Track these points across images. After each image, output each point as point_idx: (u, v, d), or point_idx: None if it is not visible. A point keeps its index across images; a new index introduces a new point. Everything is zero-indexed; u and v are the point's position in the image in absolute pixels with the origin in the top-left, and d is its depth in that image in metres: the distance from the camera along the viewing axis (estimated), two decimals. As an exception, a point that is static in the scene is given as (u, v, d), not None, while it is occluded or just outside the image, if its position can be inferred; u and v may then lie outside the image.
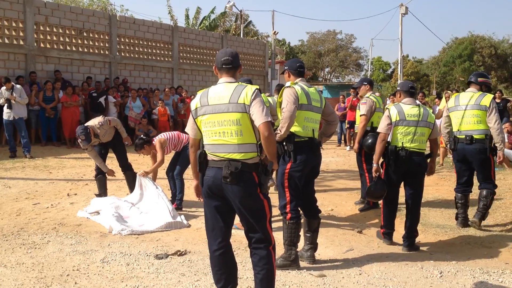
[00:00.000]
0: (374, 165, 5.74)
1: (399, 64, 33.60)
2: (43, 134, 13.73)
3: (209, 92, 3.57)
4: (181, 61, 19.17)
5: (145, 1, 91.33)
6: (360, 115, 7.22)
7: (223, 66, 3.61)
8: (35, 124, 13.50)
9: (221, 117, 3.47)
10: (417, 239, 5.81)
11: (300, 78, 4.92)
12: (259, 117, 3.39)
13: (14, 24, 14.04)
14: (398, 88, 5.92)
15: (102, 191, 7.56)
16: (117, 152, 7.81)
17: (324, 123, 5.12)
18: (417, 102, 5.92)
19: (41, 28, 14.72)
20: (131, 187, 7.58)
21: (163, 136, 7.24)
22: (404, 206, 5.90)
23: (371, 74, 54.98)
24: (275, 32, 25.39)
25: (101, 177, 7.59)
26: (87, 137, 7.15)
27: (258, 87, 3.53)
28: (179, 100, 16.67)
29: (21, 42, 14.19)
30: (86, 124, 7.43)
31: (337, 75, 64.13)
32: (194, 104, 3.63)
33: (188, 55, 19.57)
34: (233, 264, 3.68)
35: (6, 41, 13.90)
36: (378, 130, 5.79)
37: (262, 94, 4.20)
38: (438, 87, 52.14)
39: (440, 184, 9.51)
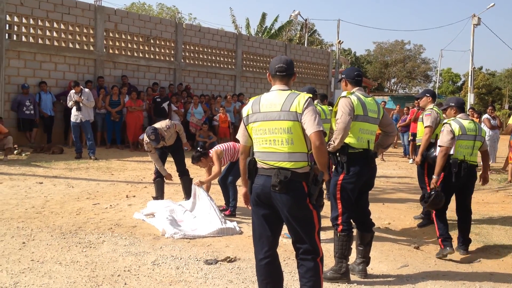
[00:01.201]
0: (435, 177, 5.76)
1: (470, 76, 32.38)
2: (108, 137, 14.23)
3: (261, 99, 3.53)
4: (244, 68, 19.33)
5: (211, 10, 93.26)
6: (425, 127, 6.94)
7: (277, 74, 3.56)
8: (101, 127, 14.00)
9: (273, 124, 3.41)
10: (478, 258, 5.63)
11: (357, 88, 4.78)
12: (310, 126, 3.30)
13: (85, 31, 14.65)
14: (452, 104, 6.04)
15: (159, 194, 7.68)
16: (176, 157, 7.92)
17: (382, 134, 4.95)
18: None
19: (111, 34, 15.28)
20: (187, 192, 7.65)
21: (219, 147, 7.26)
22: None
23: (439, 86, 53.33)
24: (339, 41, 25.13)
25: (159, 180, 7.72)
26: (156, 137, 7.32)
27: (311, 95, 3.44)
28: (241, 107, 16.76)
29: (91, 48, 14.78)
30: (154, 126, 7.58)
31: (404, 86, 62.70)
32: (245, 111, 3.59)
33: (251, 63, 19.72)
34: (279, 274, 3.60)
35: (77, 46, 14.52)
36: (440, 144, 5.73)
37: (315, 103, 4.10)
38: (510, 101, 49.88)
39: (506, 201, 9.01)
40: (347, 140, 4.58)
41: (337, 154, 4.63)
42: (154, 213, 6.74)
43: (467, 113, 14.85)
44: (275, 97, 3.48)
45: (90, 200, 7.82)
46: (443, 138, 5.69)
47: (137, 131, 14.19)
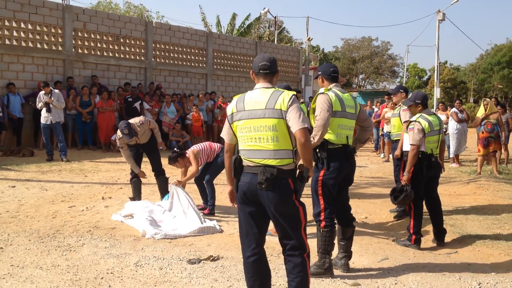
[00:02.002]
0: (406, 174, 5.91)
1: (436, 71, 33.01)
2: (79, 138, 14.01)
3: (245, 97, 3.55)
4: (215, 67, 19.30)
5: (179, 8, 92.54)
6: (404, 122, 7.05)
7: (261, 71, 3.58)
8: (71, 128, 13.79)
9: (257, 122, 3.44)
10: (455, 249, 5.79)
11: (334, 84, 4.83)
12: (295, 123, 3.34)
13: (53, 30, 14.39)
14: (418, 102, 6.15)
15: (137, 195, 7.62)
16: (151, 156, 7.85)
17: (359, 129, 5.03)
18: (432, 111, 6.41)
19: (79, 34, 15.04)
20: (163, 191, 7.63)
21: (196, 147, 7.28)
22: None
23: (406, 81, 54.21)
24: (309, 38, 25.32)
25: (136, 180, 7.65)
26: (130, 131, 7.26)
27: (295, 93, 3.48)
28: (216, 106, 16.74)
29: (60, 48, 14.52)
30: (127, 121, 7.52)
31: (372, 82, 63.53)
32: (230, 109, 3.61)
33: (222, 61, 19.69)
34: (267, 271, 3.63)
35: (45, 46, 14.25)
36: (412, 143, 5.84)
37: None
38: (475, 95, 51.07)
39: (478, 193, 9.25)
40: (327, 136, 4.64)
41: (317, 150, 4.69)
42: (132, 214, 6.70)
43: (438, 107, 15.20)
44: (259, 95, 3.50)
45: (65, 203, 7.71)
46: (415, 137, 5.81)
47: (108, 132, 14.01)
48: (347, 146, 4.72)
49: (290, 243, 3.52)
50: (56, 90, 12.09)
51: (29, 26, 13.87)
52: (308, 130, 3.40)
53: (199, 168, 7.29)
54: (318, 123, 4.54)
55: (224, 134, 3.70)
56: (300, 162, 3.53)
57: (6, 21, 13.44)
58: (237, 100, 3.60)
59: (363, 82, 63.69)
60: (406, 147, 6.25)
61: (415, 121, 5.93)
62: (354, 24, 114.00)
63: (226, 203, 8.07)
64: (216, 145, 7.49)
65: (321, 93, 4.66)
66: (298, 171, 3.51)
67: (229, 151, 3.70)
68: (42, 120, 11.78)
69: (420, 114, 6.03)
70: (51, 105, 11.60)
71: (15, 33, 13.66)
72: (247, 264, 3.59)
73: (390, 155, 14.15)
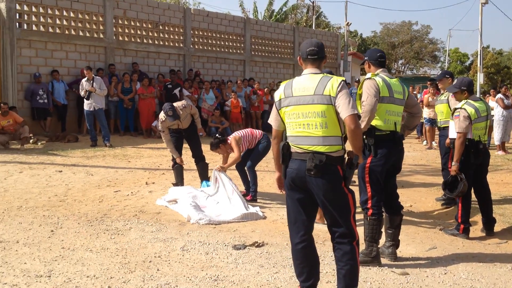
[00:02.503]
0: (456, 164, 5.72)
1: (479, 56, 32.12)
2: (121, 124, 14.26)
3: (293, 83, 3.51)
4: (252, 53, 19.26)
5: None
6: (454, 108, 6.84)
7: (309, 57, 3.53)
8: (114, 114, 14.04)
9: (306, 108, 3.40)
10: (505, 240, 5.66)
11: (381, 69, 4.74)
12: (345, 110, 3.29)
13: (94, 18, 14.61)
14: (464, 88, 5.95)
15: (179, 181, 7.71)
16: (191, 142, 7.90)
17: (407, 115, 4.91)
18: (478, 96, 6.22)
19: (120, 21, 15.23)
20: (204, 177, 7.71)
21: (238, 134, 7.30)
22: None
23: (448, 66, 52.91)
24: (348, 23, 24.94)
25: (178, 166, 7.74)
26: (174, 113, 7.35)
27: (344, 78, 3.43)
28: (251, 92, 16.73)
29: (101, 36, 14.74)
30: (171, 103, 7.62)
31: (412, 67, 62.25)
32: (277, 95, 3.58)
33: (259, 47, 19.63)
34: (316, 258, 3.62)
35: (87, 34, 14.49)
36: (459, 131, 5.67)
37: None
38: (519, 80, 49.48)
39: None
40: (374, 122, 4.56)
41: (364, 136, 4.61)
42: (176, 199, 6.78)
43: (489, 93, 14.73)
44: (308, 81, 3.46)
45: (110, 188, 7.87)
46: (461, 124, 5.65)
47: (149, 118, 14.22)
48: (395, 133, 4.63)
49: (339, 230, 3.50)
50: (98, 77, 12.30)
51: (71, 14, 14.12)
52: (358, 116, 3.35)
53: (241, 154, 7.31)
54: (365, 108, 4.47)
55: (272, 120, 3.67)
56: (349, 148, 3.49)
57: (49, 9, 13.71)
58: (284, 86, 3.57)
59: (403, 67, 62.46)
60: (452, 135, 6.08)
61: (461, 108, 5.76)
62: (393, 8, 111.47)
63: (267, 190, 8.11)
64: (257, 132, 7.50)
65: (367, 78, 4.58)
66: (347, 158, 3.47)
67: (277, 138, 3.68)
68: (85, 107, 12.03)
69: (465, 100, 5.86)
70: (92, 93, 11.79)
71: (58, 21, 13.93)
72: (295, 251, 3.59)
73: (433, 143, 13.90)
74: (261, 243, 5.19)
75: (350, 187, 3.52)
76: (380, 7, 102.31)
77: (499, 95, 13.45)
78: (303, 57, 3.58)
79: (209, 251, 4.94)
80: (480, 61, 32.10)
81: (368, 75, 4.66)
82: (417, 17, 72.14)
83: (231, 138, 7.19)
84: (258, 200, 7.26)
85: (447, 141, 7.04)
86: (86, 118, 12.33)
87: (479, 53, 32.39)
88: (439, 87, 7.53)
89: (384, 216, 4.77)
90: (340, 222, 3.47)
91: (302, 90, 3.44)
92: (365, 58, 4.86)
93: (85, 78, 11.99)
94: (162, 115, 7.50)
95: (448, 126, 7.09)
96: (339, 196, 3.42)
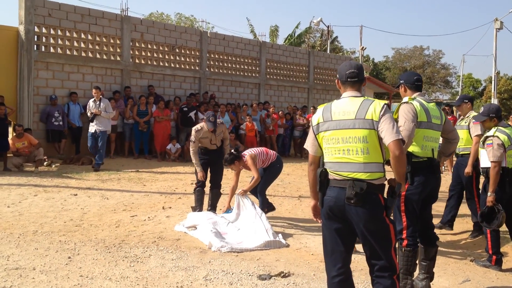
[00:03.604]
0: (492, 194, 5.45)
1: (493, 81, 31.99)
2: (136, 147, 14.13)
3: (332, 107, 3.34)
4: (268, 76, 19.19)
5: (228, 18, 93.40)
6: (474, 136, 6.65)
7: (348, 80, 3.37)
8: (128, 137, 13.94)
9: (346, 133, 3.23)
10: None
11: (418, 93, 4.56)
12: (389, 134, 3.11)
13: (112, 41, 14.63)
14: (493, 115, 5.70)
15: (199, 205, 7.49)
16: (214, 167, 7.68)
17: (444, 141, 4.70)
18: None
19: (137, 44, 15.24)
20: (213, 205, 7.55)
21: (253, 151, 7.16)
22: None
23: (461, 92, 52.65)
24: (363, 47, 24.92)
25: (200, 190, 7.53)
26: (215, 120, 7.33)
27: (387, 102, 3.25)
28: (266, 115, 16.60)
29: (118, 58, 14.75)
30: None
31: (424, 93, 61.80)
32: (316, 119, 3.41)
33: (275, 71, 19.56)
34: (353, 292, 3.40)
35: (104, 57, 14.50)
36: (494, 160, 5.42)
37: None
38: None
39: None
40: (411, 148, 4.36)
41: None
42: (196, 225, 6.59)
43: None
44: (348, 104, 3.29)
45: (127, 212, 7.69)
46: (496, 153, 5.41)
47: (164, 141, 14.12)
48: (433, 160, 4.43)
49: (380, 263, 3.28)
50: (105, 99, 12.17)
51: (89, 37, 14.15)
52: (402, 141, 3.16)
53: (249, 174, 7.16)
54: (402, 134, 4.26)
55: (308, 145, 3.50)
56: (390, 176, 3.29)
57: (67, 31, 13.75)
58: (323, 110, 3.39)
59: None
60: (485, 163, 5.76)
61: (493, 136, 5.52)
62: (405, 33, 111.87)
63: (286, 215, 7.89)
64: (271, 152, 7.38)
65: (405, 103, 4.38)
66: (388, 186, 3.27)
67: (313, 164, 3.49)
68: (90, 129, 11.86)
69: (496, 127, 5.63)
70: (98, 115, 11.64)
71: (75, 44, 13.96)
72: (332, 284, 3.37)
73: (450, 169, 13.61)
74: (287, 273, 4.96)
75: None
76: (393, 31, 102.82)
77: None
78: (342, 80, 3.41)
79: (233, 281, 4.72)
80: (494, 86, 31.93)
81: (405, 99, 4.45)
82: (429, 42, 72.66)
83: (247, 157, 7.04)
84: (279, 227, 7.03)
85: (467, 169, 6.73)
86: (88, 140, 12.00)
87: (493, 78, 32.25)
88: (458, 112, 7.30)
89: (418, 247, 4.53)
90: (380, 254, 3.26)
91: (343, 114, 3.26)
92: (401, 81, 4.68)
93: (92, 99, 11.86)
94: (200, 124, 7.44)
95: (468, 154, 6.81)
96: (380, 227, 3.22)
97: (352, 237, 3.37)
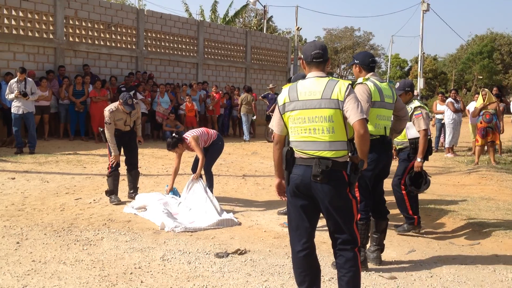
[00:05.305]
0: (421, 160, 5.80)
1: (419, 62, 33.31)
2: (71, 128, 13.66)
3: (298, 87, 3.41)
4: (206, 56, 19.04)
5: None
6: (421, 130, 5.98)
7: (314, 60, 3.45)
8: (64, 118, 13.44)
9: (313, 113, 3.32)
10: (477, 240, 5.82)
11: (371, 73, 4.70)
12: (354, 114, 3.23)
13: (44, 18, 13.97)
14: (408, 89, 5.96)
15: (114, 188, 7.27)
16: (129, 148, 7.56)
17: (394, 118, 4.86)
18: None
19: (71, 22, 14.65)
20: (134, 186, 7.55)
21: (195, 133, 7.18)
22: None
23: (389, 71, 54.54)
24: (298, 28, 25.14)
25: (116, 172, 7.34)
26: (133, 102, 7.19)
27: (351, 82, 3.37)
28: (206, 96, 16.52)
29: (51, 36, 14.12)
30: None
31: (376, 72, 63.47)
32: (282, 99, 3.47)
33: (212, 51, 19.43)
34: (317, 266, 3.54)
35: (36, 35, 13.84)
36: (425, 128, 5.72)
37: None
38: (455, 85, 51.64)
39: (482, 183, 9.28)
40: None
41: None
42: (145, 206, 6.55)
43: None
44: (314, 85, 3.37)
45: (70, 195, 7.50)
46: (426, 121, 5.76)
47: (102, 122, 13.61)
48: (385, 137, 4.62)
49: (342, 237, 3.43)
50: (30, 79, 11.54)
51: (20, 13, 13.44)
52: (366, 120, 3.29)
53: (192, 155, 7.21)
54: None
55: (274, 125, 3.56)
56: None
57: (-4, 8, 13.00)
58: (289, 90, 3.46)
59: (345, 72, 63.78)
60: (412, 134, 5.95)
61: (420, 106, 5.81)
62: (336, 14, 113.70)
63: (233, 195, 7.99)
64: (212, 131, 7.46)
65: (359, 83, 4.50)
66: (351, 162, 3.40)
67: (279, 143, 3.56)
68: (13, 110, 11.12)
69: (415, 100, 5.95)
70: (28, 93, 11.02)
71: (6, 21, 13.21)
72: (297, 259, 3.48)
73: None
74: (244, 250, 5.05)
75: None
76: (327, 12, 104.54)
77: (450, 99, 13.90)
78: (307, 61, 3.49)
79: (191, 260, 4.75)
80: (420, 66, 33.29)
81: (360, 79, 4.57)
82: (360, 23, 74.70)
83: (190, 138, 7.03)
84: (227, 206, 7.11)
85: (420, 163, 6.04)
86: (13, 123, 11.31)
87: (419, 58, 33.59)
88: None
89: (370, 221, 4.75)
90: (344, 229, 3.41)
91: (309, 94, 3.34)
92: (356, 61, 4.74)
93: (15, 79, 11.12)
94: (114, 105, 7.20)
95: (405, 148, 6.27)
96: (344, 202, 3.36)
97: (317, 213, 3.49)
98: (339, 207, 3.35)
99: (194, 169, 7.33)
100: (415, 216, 5.93)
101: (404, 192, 5.94)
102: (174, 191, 7.16)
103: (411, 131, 5.98)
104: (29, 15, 13.62)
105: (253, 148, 14.22)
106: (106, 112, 7.17)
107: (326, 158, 3.29)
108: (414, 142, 5.92)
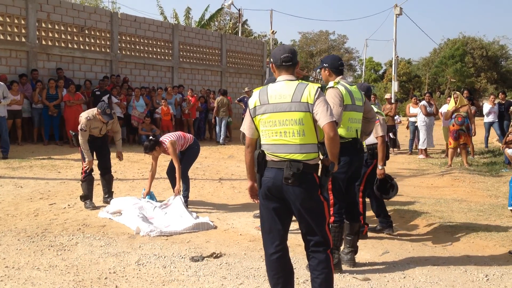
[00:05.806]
0: (383, 167, 5.91)
1: (393, 65, 33.63)
2: (45, 132, 13.48)
3: (268, 90, 3.46)
4: (181, 59, 19.00)
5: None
6: (379, 136, 6.05)
7: (283, 64, 3.50)
8: (37, 122, 13.26)
9: (283, 116, 3.37)
10: (449, 242, 5.94)
11: (340, 76, 4.77)
12: (324, 117, 3.29)
13: (16, 21, 13.78)
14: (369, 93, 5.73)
15: (89, 193, 7.24)
16: (102, 152, 7.52)
17: (363, 120, 4.92)
18: None
19: (43, 25, 14.47)
20: (109, 191, 7.53)
21: (172, 137, 7.18)
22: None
23: (363, 75, 55.11)
24: (273, 31, 25.29)
25: (90, 177, 7.30)
26: (111, 112, 7.17)
27: (320, 85, 3.43)
28: (181, 99, 16.48)
29: (23, 39, 13.93)
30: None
31: (345, 76, 63.89)
32: (252, 102, 3.51)
33: (188, 54, 19.39)
34: (290, 268, 3.57)
35: (8, 38, 13.64)
36: (382, 134, 5.81)
37: None
38: (429, 88, 52.43)
39: (455, 185, 9.49)
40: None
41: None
42: (121, 210, 6.52)
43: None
44: (284, 88, 3.42)
45: (44, 200, 7.43)
46: (383, 127, 5.85)
47: (76, 126, 13.51)
48: (357, 140, 4.70)
49: (315, 239, 3.48)
50: (1, 83, 11.38)
51: (-9, 16, 13.24)
52: (336, 123, 3.36)
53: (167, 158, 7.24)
54: None
55: (245, 128, 3.60)
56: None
57: (-34, 10, 12.78)
58: (259, 93, 3.51)
59: (320, 75, 64.21)
60: (370, 141, 5.88)
61: (377, 112, 5.68)
62: (312, 18, 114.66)
63: (209, 199, 8.01)
64: (188, 135, 7.50)
65: (331, 87, 4.56)
66: (321, 165, 3.47)
67: (250, 146, 3.60)
68: None
69: (373, 105, 5.78)
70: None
71: (-24, 24, 13.01)
72: (270, 262, 3.52)
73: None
74: (219, 253, 5.07)
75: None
76: (302, 16, 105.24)
77: (423, 102, 14.14)
78: (276, 64, 3.53)
79: (166, 265, 4.76)
80: (394, 70, 33.68)
81: (331, 83, 4.63)
82: (335, 27, 75.53)
83: (168, 143, 7.05)
84: (203, 210, 7.14)
85: (382, 171, 6.03)
86: None
87: (393, 62, 33.96)
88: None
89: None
90: (316, 231, 3.47)
91: (279, 97, 3.39)
92: (325, 65, 4.78)
93: None
94: (92, 113, 7.15)
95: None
96: (315, 204, 3.41)
97: (289, 215, 3.53)
98: (311, 209, 3.40)
99: (169, 173, 7.34)
100: (366, 226, 6.02)
101: (361, 199, 5.93)
102: (151, 195, 7.15)
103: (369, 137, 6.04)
104: (1, 18, 13.42)
105: (229, 152, 14.25)
106: (83, 119, 7.12)
107: (297, 161, 3.34)
108: (372, 148, 5.96)
